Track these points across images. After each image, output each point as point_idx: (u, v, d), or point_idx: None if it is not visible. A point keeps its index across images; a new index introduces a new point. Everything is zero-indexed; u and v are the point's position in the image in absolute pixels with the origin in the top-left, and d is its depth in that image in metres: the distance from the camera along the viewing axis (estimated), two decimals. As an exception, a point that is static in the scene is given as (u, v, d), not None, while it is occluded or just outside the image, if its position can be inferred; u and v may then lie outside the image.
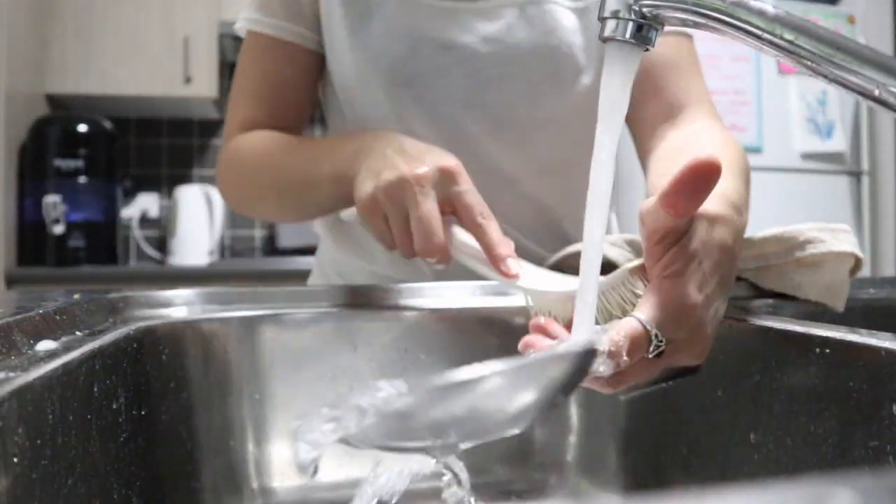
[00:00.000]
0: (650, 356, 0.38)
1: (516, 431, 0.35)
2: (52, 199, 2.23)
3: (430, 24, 0.73)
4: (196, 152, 2.76)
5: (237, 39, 2.42)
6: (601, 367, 0.36)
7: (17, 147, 2.25)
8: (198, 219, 2.55)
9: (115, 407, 0.44)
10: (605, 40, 0.40)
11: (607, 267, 0.66)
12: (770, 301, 0.60)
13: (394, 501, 0.38)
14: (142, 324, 0.52)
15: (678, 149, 0.67)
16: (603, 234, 0.40)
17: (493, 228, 0.52)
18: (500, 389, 0.32)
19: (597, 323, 0.40)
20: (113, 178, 2.37)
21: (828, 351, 0.43)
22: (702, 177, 0.36)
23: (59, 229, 2.24)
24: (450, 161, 0.55)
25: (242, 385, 0.56)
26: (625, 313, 0.41)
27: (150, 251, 2.69)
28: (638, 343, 0.38)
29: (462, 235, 0.54)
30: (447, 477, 0.39)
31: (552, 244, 0.78)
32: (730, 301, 0.43)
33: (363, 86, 0.75)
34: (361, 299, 0.60)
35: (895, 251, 2.50)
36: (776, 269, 0.59)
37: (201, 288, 0.58)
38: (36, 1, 2.31)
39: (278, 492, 0.56)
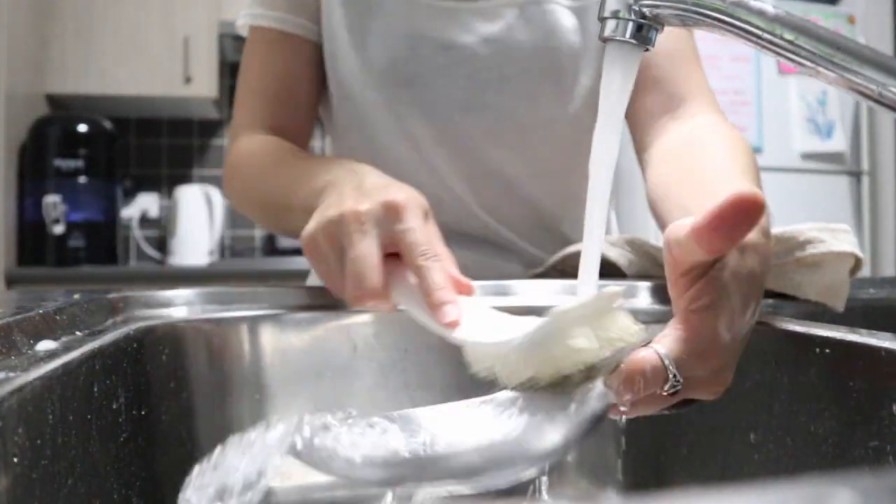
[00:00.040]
0: (664, 394, 0.36)
1: (525, 479, 0.33)
2: (52, 199, 2.23)
3: (430, 23, 0.73)
4: (196, 152, 2.77)
5: (237, 39, 2.42)
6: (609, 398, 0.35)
7: (17, 147, 2.25)
8: (198, 219, 2.55)
9: (115, 407, 0.44)
10: (605, 40, 0.40)
11: (607, 267, 0.66)
12: (770, 301, 0.60)
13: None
14: (142, 324, 0.52)
15: (681, 148, 0.65)
16: (603, 234, 0.40)
17: (435, 270, 0.45)
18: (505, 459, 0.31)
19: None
20: (113, 178, 2.37)
21: (828, 351, 0.43)
22: (743, 214, 0.32)
23: (59, 229, 2.25)
24: (398, 195, 0.48)
25: (242, 385, 0.56)
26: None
27: (150, 251, 2.69)
28: (653, 378, 0.35)
29: (412, 280, 0.47)
30: None
31: (551, 246, 0.78)
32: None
33: (361, 85, 0.75)
34: (361, 299, 0.60)
35: (895, 251, 2.50)
36: (776, 269, 0.59)
37: (201, 288, 0.58)
38: (36, 1, 2.31)
39: (278, 492, 0.56)
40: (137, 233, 2.67)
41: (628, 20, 0.39)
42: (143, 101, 2.51)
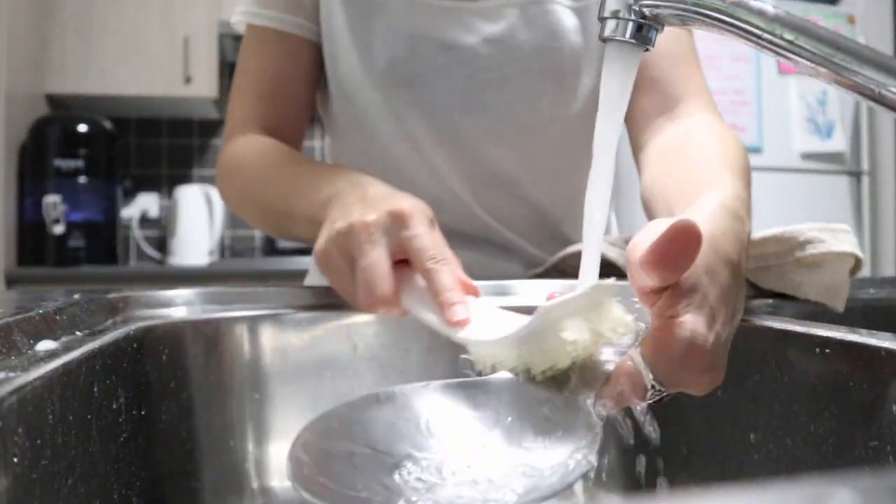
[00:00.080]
0: (649, 402, 0.36)
1: None
2: (52, 199, 2.23)
3: (432, 23, 0.73)
4: (196, 152, 2.77)
5: (237, 39, 2.42)
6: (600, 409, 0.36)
7: (17, 147, 2.25)
8: (198, 219, 2.55)
9: (115, 407, 0.44)
10: (604, 40, 0.40)
11: (607, 267, 0.66)
12: (770, 301, 0.60)
13: None
14: (142, 324, 0.52)
15: (674, 148, 0.65)
16: (602, 234, 0.40)
17: (444, 273, 0.46)
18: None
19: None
20: (113, 178, 2.37)
21: (828, 351, 0.43)
22: (680, 248, 0.33)
23: (59, 229, 2.25)
24: (403, 204, 0.49)
25: (242, 385, 0.56)
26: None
27: (150, 251, 2.69)
28: (635, 390, 0.36)
29: (421, 283, 0.48)
30: None
31: (551, 247, 0.78)
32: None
33: (362, 85, 0.75)
34: (361, 299, 0.60)
35: (895, 251, 2.50)
36: (776, 269, 0.59)
37: (201, 288, 0.58)
38: (36, 1, 2.31)
39: (278, 492, 0.56)
40: (137, 233, 2.67)
41: (628, 20, 0.39)
42: (143, 101, 2.51)
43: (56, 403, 0.36)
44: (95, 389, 0.42)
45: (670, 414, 0.56)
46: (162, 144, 2.75)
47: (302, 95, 0.78)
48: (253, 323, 0.56)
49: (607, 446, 0.60)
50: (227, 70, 2.69)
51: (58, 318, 0.45)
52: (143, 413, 0.49)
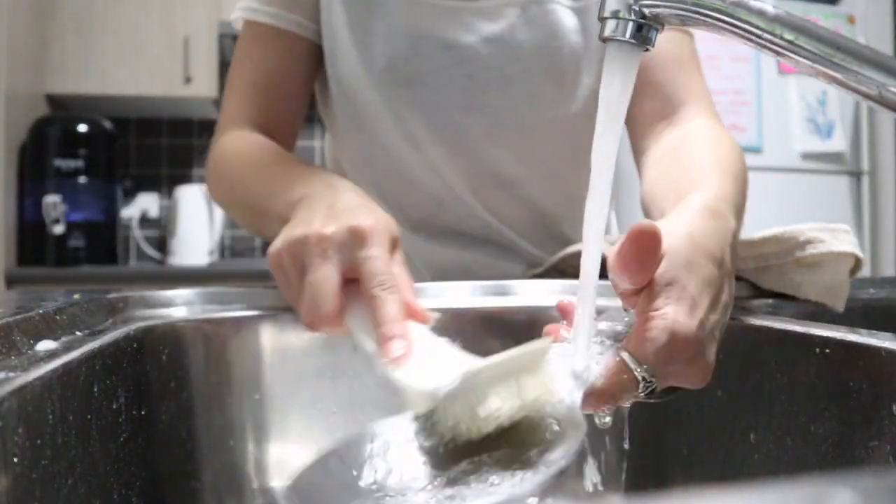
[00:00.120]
0: (642, 397, 0.37)
1: None
2: (52, 199, 2.24)
3: (432, 23, 0.73)
4: (196, 152, 2.76)
5: (237, 39, 2.42)
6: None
7: (17, 147, 2.25)
8: (198, 219, 2.56)
9: (115, 407, 0.44)
10: (605, 40, 0.40)
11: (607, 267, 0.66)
12: (770, 301, 0.60)
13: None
14: (142, 324, 0.52)
15: (672, 153, 0.65)
16: (602, 234, 0.40)
17: (389, 302, 0.43)
18: None
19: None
20: (113, 178, 2.37)
21: (828, 351, 0.43)
22: (642, 248, 0.36)
23: (59, 229, 2.25)
24: (366, 220, 0.47)
25: (242, 385, 0.56)
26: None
27: (150, 251, 2.69)
28: (627, 386, 0.36)
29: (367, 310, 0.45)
30: None
31: (551, 247, 0.78)
32: (730, 301, 0.43)
33: (362, 85, 0.75)
34: (361, 299, 0.60)
35: (895, 251, 2.50)
36: (776, 269, 0.59)
37: (201, 288, 0.58)
38: (36, 1, 2.31)
39: (278, 492, 0.56)
40: (137, 233, 2.67)
41: (628, 20, 0.38)
42: (143, 101, 2.51)
43: (56, 403, 0.36)
44: (95, 389, 0.42)
45: (670, 414, 0.56)
46: (162, 144, 2.75)
47: (296, 93, 0.78)
48: (253, 323, 0.56)
49: (607, 446, 0.60)
50: (227, 70, 2.67)
51: (58, 318, 0.45)
52: (143, 413, 0.49)
